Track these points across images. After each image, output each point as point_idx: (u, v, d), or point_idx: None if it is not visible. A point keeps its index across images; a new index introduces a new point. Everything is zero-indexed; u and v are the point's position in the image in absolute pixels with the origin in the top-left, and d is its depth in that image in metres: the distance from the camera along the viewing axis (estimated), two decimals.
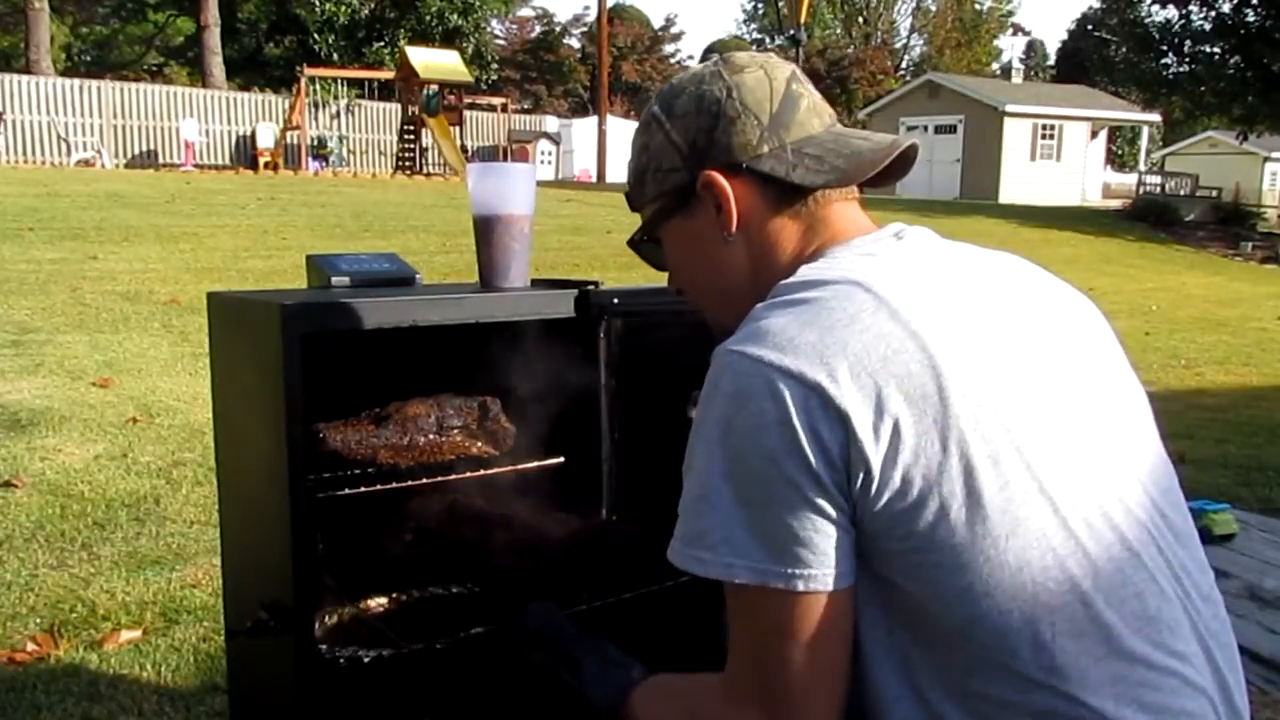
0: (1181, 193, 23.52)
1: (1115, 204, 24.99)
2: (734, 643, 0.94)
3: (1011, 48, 41.94)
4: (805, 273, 0.99)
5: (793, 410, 0.87)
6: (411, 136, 22.04)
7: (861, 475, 0.87)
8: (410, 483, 1.57)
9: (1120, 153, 39.39)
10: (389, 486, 1.54)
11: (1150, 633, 0.90)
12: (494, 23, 40.67)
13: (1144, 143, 34.40)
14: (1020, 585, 0.88)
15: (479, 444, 1.59)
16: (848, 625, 0.92)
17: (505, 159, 22.53)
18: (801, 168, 1.03)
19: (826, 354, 0.89)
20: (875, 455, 0.87)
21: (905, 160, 1.07)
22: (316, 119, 23.06)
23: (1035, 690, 0.87)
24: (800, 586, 0.88)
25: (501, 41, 46.58)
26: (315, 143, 22.46)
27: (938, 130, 27.68)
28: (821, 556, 0.88)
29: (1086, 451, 0.95)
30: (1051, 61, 51.27)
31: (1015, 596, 0.88)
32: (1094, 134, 30.12)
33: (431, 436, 1.54)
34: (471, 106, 23.50)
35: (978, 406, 0.90)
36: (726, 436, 0.89)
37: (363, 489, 1.53)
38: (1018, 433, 0.91)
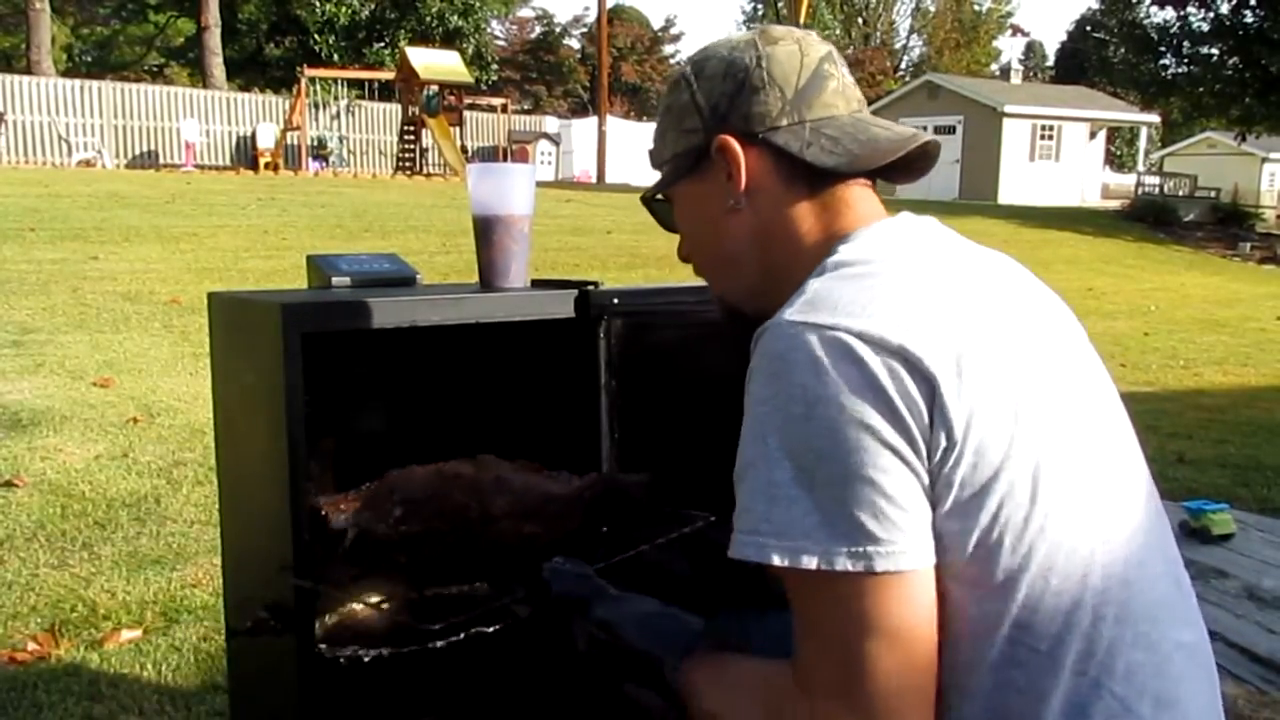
0: (1180, 193, 23.54)
1: (1114, 204, 25.01)
2: (822, 637, 0.86)
3: (1010, 48, 42.14)
4: (852, 251, 0.98)
5: (880, 373, 0.84)
6: (411, 137, 22.05)
7: (944, 442, 0.84)
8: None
9: (1119, 153, 39.36)
10: None
11: (1162, 617, 0.92)
12: (494, 23, 40.73)
13: (1143, 143, 34.37)
14: (1075, 566, 0.88)
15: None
16: (934, 606, 0.86)
17: (505, 159, 22.54)
18: (816, 146, 1.02)
19: (903, 318, 0.87)
20: (959, 421, 0.84)
21: (926, 156, 1.07)
22: (317, 119, 23.06)
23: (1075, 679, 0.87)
24: (905, 565, 0.83)
25: (501, 42, 46.65)
26: (315, 143, 22.46)
27: (937, 131, 27.63)
28: (918, 531, 0.84)
29: (1103, 442, 0.97)
30: (1050, 62, 51.28)
31: (1069, 577, 0.87)
32: (1093, 134, 30.11)
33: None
34: (471, 107, 23.51)
35: (1035, 380, 0.91)
36: (802, 409, 0.84)
37: None
38: (1066, 415, 0.92)
